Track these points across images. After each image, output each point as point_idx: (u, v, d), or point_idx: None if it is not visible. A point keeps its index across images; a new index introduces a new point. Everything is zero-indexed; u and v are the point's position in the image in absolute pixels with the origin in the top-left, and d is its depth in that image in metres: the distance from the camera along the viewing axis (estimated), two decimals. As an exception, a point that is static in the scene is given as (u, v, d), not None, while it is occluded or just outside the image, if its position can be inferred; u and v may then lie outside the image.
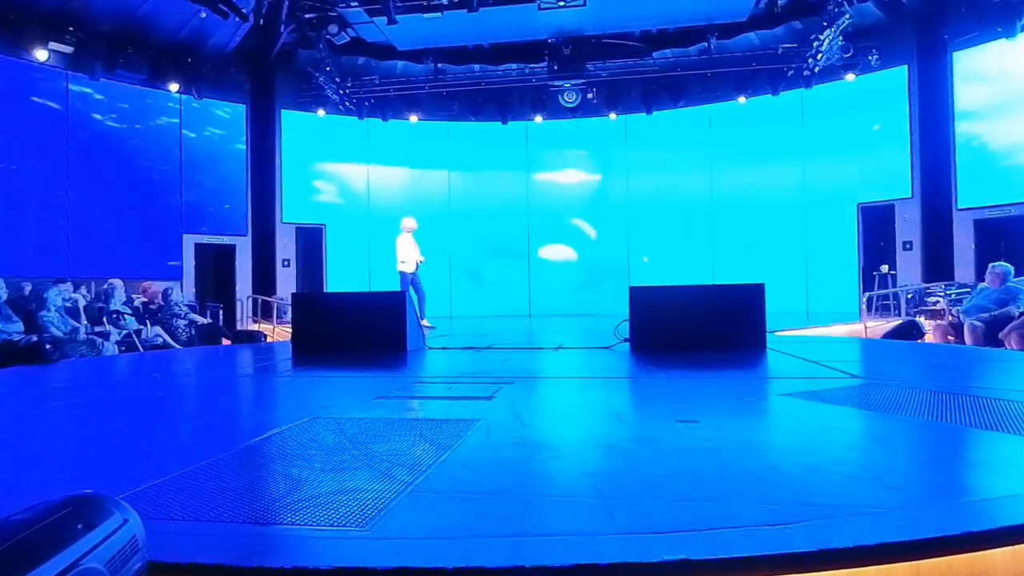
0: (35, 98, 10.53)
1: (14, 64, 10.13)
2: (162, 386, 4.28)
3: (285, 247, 13.44)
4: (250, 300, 12.50)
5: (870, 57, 11.66)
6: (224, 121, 12.84)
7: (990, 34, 10.31)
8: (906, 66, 11.66)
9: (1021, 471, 1.94)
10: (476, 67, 13.69)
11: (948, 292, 9.87)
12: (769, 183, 13.36)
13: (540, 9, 10.81)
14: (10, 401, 3.72)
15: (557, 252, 14.75)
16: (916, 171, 11.60)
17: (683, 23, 12.24)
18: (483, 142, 14.65)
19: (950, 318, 7.86)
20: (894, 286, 11.48)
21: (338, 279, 13.82)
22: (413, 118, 13.99)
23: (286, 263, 13.43)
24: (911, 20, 11.55)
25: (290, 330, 7.12)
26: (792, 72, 12.31)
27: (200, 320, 9.31)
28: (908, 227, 11.75)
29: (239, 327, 11.93)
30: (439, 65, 13.34)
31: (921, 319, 8.80)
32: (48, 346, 6.03)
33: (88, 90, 11.07)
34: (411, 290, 9.01)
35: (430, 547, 1.39)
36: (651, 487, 1.82)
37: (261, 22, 11.07)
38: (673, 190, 14.17)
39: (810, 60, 11.73)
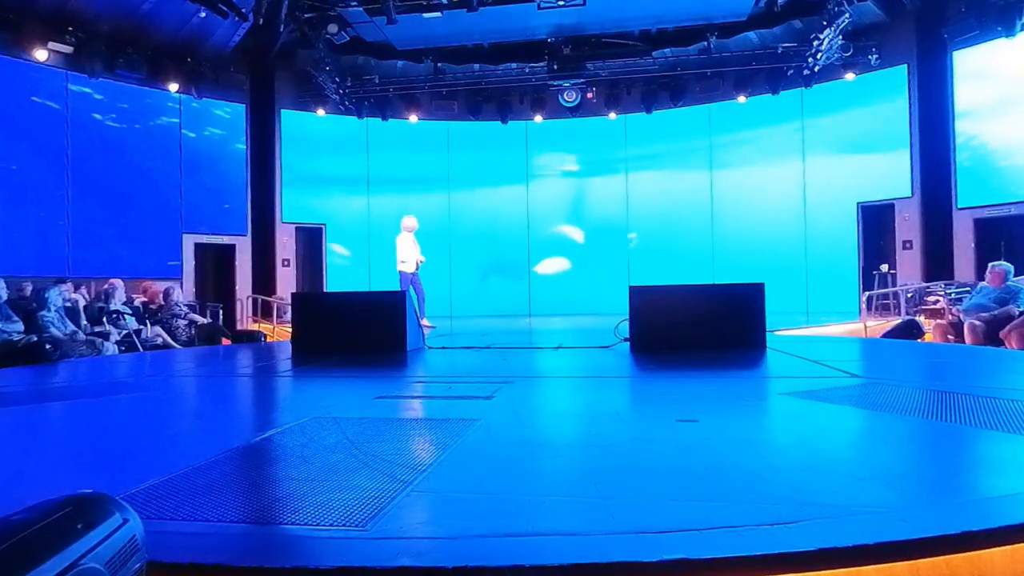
0: (35, 98, 10.53)
1: (14, 64, 10.13)
2: (162, 386, 4.28)
3: (285, 247, 13.44)
4: (250, 300, 12.50)
5: (870, 56, 11.66)
6: (224, 121, 12.84)
7: (990, 34, 10.30)
8: (906, 65, 11.65)
9: (1021, 471, 1.94)
10: (476, 67, 13.68)
11: (948, 291, 9.86)
12: (769, 182, 13.35)
13: (540, 8, 10.80)
14: (10, 401, 3.72)
15: (553, 261, 14.75)
16: (916, 170, 11.59)
17: (683, 22, 12.22)
18: (483, 141, 14.64)
19: (950, 317, 7.86)
20: (894, 285, 11.47)
21: (338, 279, 13.82)
22: (413, 118, 13.99)
23: (286, 263, 13.43)
24: (911, 19, 11.54)
25: (290, 330, 7.12)
26: (792, 71, 12.30)
27: (200, 320, 9.31)
28: (908, 226, 11.74)
29: (239, 327, 11.92)
30: (439, 65, 13.33)
31: (921, 318, 8.79)
32: (48, 346, 6.03)
33: (88, 90, 11.07)
34: (411, 290, 9.01)
35: (430, 547, 1.39)
36: (651, 487, 1.82)
37: (261, 21, 11.03)
38: (673, 190, 14.16)
39: (810, 59, 11.72)
